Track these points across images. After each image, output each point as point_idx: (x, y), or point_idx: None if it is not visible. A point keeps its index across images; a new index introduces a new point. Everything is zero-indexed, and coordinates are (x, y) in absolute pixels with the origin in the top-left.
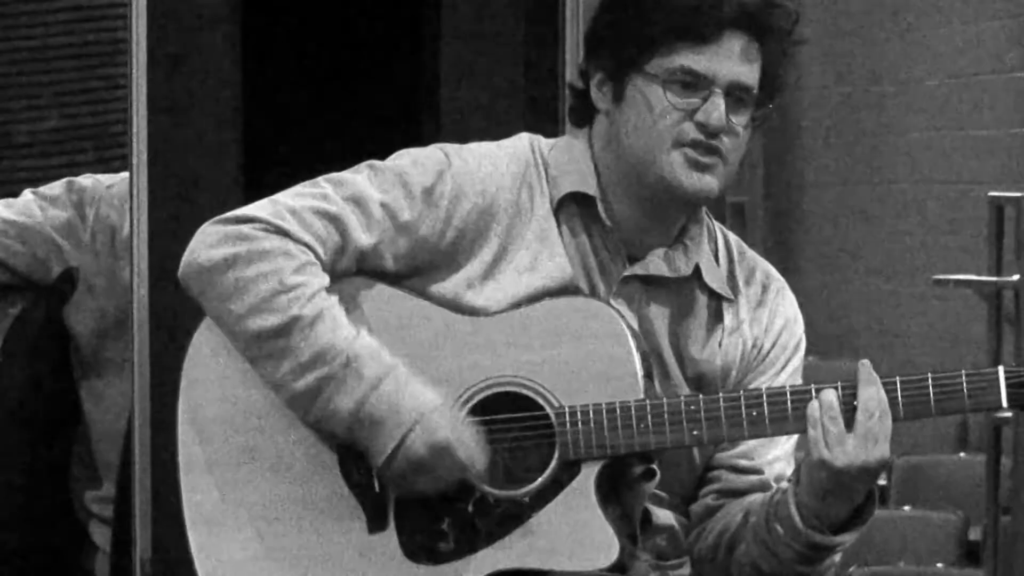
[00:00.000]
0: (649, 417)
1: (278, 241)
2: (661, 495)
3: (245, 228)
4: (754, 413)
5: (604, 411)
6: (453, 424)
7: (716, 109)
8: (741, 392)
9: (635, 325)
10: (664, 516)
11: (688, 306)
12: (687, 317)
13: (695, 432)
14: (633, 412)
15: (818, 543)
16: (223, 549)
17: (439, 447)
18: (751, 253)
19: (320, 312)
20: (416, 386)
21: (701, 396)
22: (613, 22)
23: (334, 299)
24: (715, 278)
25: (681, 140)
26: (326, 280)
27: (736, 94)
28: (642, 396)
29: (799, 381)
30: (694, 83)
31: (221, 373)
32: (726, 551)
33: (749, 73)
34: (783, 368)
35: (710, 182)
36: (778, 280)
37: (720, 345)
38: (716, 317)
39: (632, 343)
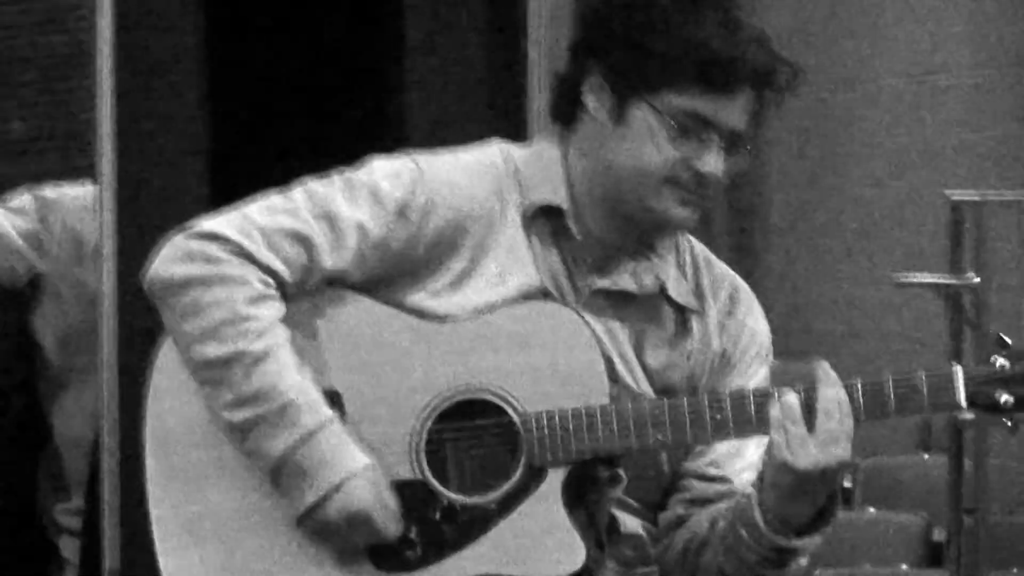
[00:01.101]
0: (614, 422)
1: (239, 268)
2: (630, 503)
3: (211, 248)
4: (718, 416)
5: (569, 417)
6: (375, 491)
7: (717, 160)
8: (704, 396)
9: (603, 336)
10: (632, 524)
11: (655, 320)
12: (654, 331)
13: (659, 436)
14: (598, 417)
15: (782, 546)
16: (190, 560)
17: (354, 515)
18: (719, 264)
19: (267, 350)
20: (346, 447)
21: (665, 400)
22: (634, 40)
23: (285, 336)
24: (681, 292)
25: (674, 181)
26: (282, 311)
27: (730, 141)
28: (608, 401)
29: None
30: (697, 128)
31: (187, 384)
32: (694, 558)
33: (745, 123)
34: (749, 380)
35: (694, 215)
36: (746, 291)
37: (688, 358)
38: (683, 329)
39: (598, 348)
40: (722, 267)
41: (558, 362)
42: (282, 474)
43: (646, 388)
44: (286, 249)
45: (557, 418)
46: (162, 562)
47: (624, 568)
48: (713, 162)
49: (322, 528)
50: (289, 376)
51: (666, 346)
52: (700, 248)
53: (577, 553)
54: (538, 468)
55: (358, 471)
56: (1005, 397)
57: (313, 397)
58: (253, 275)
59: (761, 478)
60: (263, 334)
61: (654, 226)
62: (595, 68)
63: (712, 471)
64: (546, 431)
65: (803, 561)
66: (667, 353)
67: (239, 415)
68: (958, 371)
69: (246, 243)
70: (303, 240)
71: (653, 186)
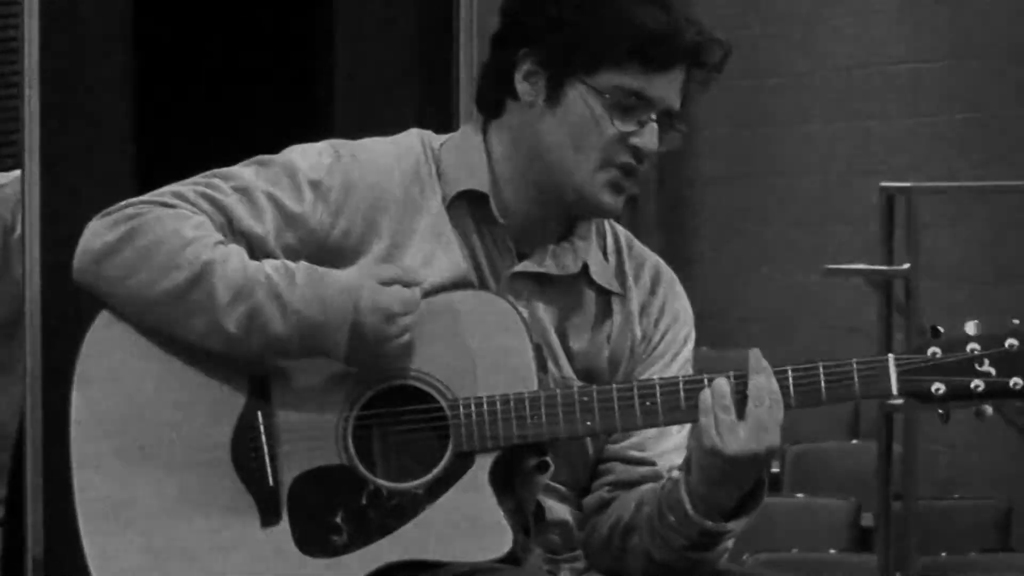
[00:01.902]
0: (542, 408)
1: (167, 209)
2: (557, 488)
3: (129, 210)
4: (647, 403)
5: (497, 403)
6: (377, 292)
7: (653, 135)
8: (634, 383)
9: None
10: (558, 510)
11: (576, 302)
12: (575, 313)
13: (588, 423)
14: (526, 403)
15: (709, 530)
16: (116, 546)
17: (385, 309)
18: (640, 247)
19: (227, 253)
20: (330, 277)
21: (594, 387)
22: (568, 22)
23: (233, 246)
24: (603, 275)
25: (610, 161)
26: (220, 236)
27: (663, 119)
28: (536, 388)
29: (689, 373)
30: (635, 106)
31: (114, 370)
32: (620, 542)
33: (677, 100)
34: (672, 361)
35: (621, 202)
36: (667, 273)
37: (609, 340)
38: (605, 312)
39: (527, 335)
40: (644, 250)
41: (487, 349)
42: (305, 340)
43: (568, 371)
44: (204, 207)
45: (485, 404)
46: (87, 548)
47: (550, 554)
48: (650, 138)
49: (372, 344)
50: (252, 263)
51: (588, 329)
52: (622, 231)
53: (503, 539)
54: (466, 454)
55: (354, 286)
56: (937, 385)
57: (278, 264)
58: (183, 210)
59: (688, 462)
60: (216, 244)
61: (583, 211)
62: (527, 54)
63: (636, 453)
64: (473, 417)
65: (729, 544)
66: (589, 336)
67: (233, 321)
68: (890, 359)
69: (164, 199)
70: (219, 204)
71: (590, 172)
